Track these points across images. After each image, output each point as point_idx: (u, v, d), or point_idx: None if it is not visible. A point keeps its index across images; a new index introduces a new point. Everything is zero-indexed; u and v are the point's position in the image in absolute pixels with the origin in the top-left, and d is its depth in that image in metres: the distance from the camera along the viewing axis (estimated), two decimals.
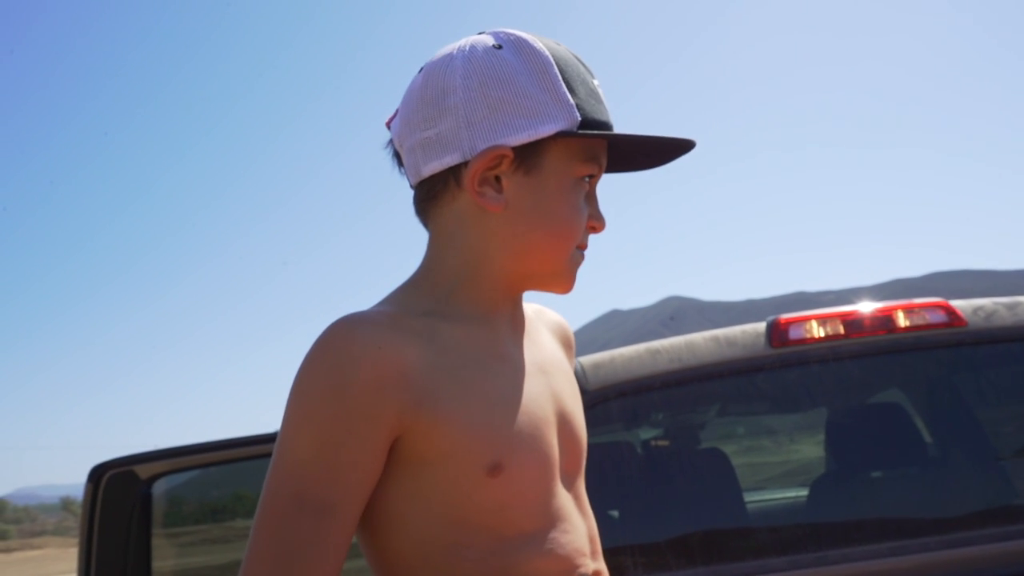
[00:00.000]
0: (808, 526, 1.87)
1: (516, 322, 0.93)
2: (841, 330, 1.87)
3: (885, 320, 1.88)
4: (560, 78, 0.86)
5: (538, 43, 0.88)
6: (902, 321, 1.87)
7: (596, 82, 0.91)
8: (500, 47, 0.86)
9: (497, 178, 0.85)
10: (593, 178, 0.90)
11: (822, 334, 1.86)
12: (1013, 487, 1.94)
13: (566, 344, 1.02)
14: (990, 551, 1.69)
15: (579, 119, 0.86)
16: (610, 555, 0.93)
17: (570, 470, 0.91)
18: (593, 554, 0.90)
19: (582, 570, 0.86)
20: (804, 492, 2.24)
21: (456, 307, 0.87)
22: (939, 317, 1.88)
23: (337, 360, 0.77)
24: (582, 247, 0.91)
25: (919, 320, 1.87)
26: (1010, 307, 1.93)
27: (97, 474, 2.21)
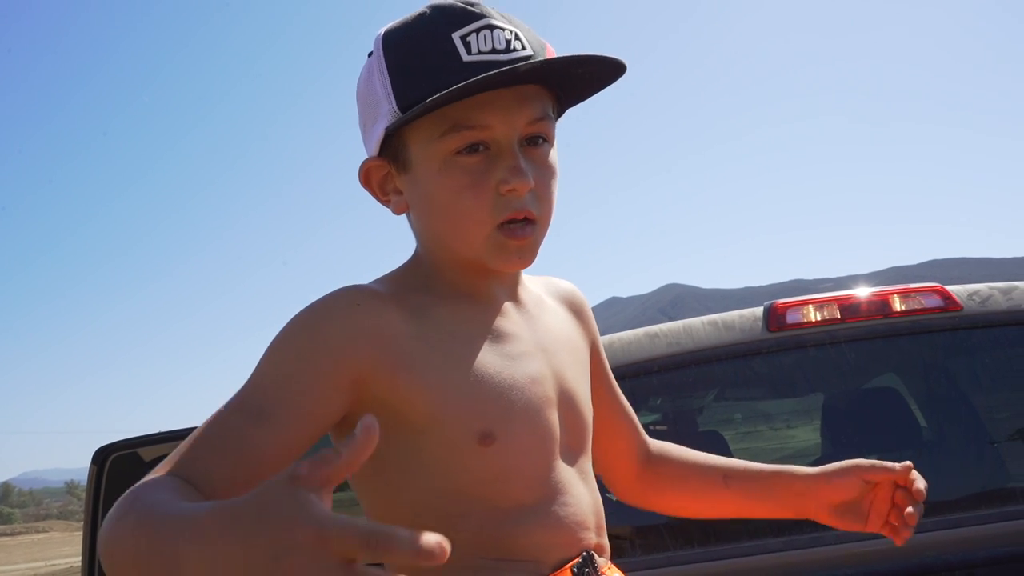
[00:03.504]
0: None
1: (517, 300, 0.94)
2: (838, 314, 1.89)
3: (881, 305, 1.90)
4: (386, 72, 0.84)
5: (381, 36, 0.86)
6: (898, 306, 1.89)
7: (460, 32, 0.82)
8: (371, 53, 0.87)
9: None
10: (483, 144, 0.83)
11: (819, 318, 1.88)
12: (1006, 470, 1.97)
13: (577, 312, 1.02)
14: (982, 532, 1.71)
15: (395, 109, 0.82)
16: (609, 537, 0.94)
17: (573, 446, 0.92)
18: (597, 529, 0.91)
19: (584, 541, 0.88)
20: None
21: (445, 288, 0.89)
22: (935, 302, 1.90)
23: (317, 311, 0.82)
24: (513, 216, 0.83)
25: (915, 305, 1.89)
26: (1005, 292, 1.94)
27: (101, 456, 2.23)
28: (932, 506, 1.81)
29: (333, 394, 0.80)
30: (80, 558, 2.35)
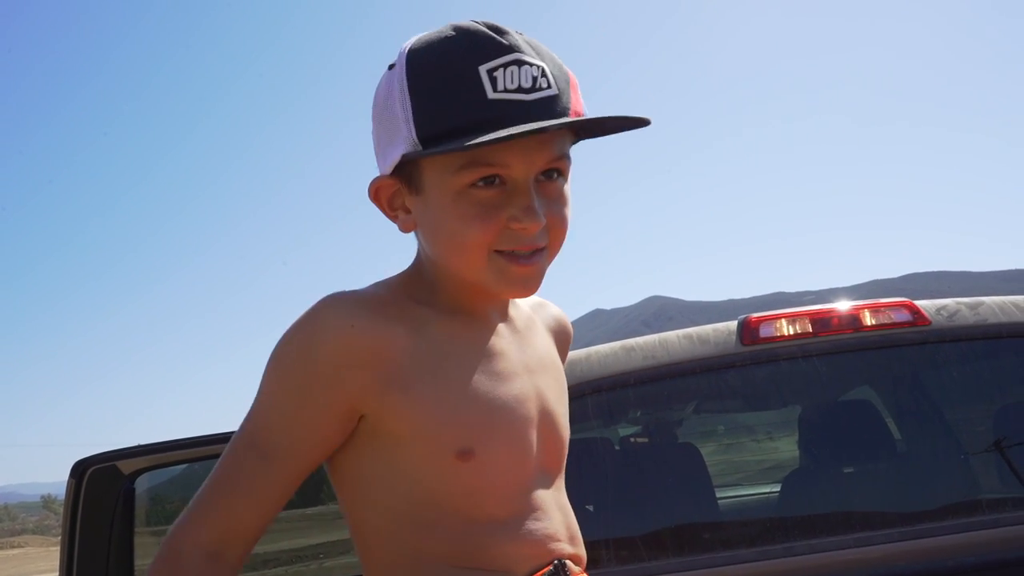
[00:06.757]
0: (777, 519, 1.93)
1: (509, 321, 0.96)
2: (810, 328, 1.92)
3: (852, 319, 1.93)
4: (407, 95, 0.83)
5: (405, 54, 0.85)
6: (868, 320, 1.93)
7: (487, 66, 0.81)
8: (392, 66, 0.86)
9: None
10: (499, 178, 0.83)
11: (791, 332, 1.92)
12: (976, 481, 2.01)
13: (561, 339, 1.06)
14: (951, 542, 1.75)
15: (415, 138, 0.82)
16: (586, 547, 0.97)
17: (549, 466, 0.95)
18: (571, 540, 0.93)
19: (557, 552, 0.90)
20: (778, 488, 2.30)
21: (445, 302, 0.91)
22: (904, 316, 1.94)
23: (312, 332, 0.83)
24: (514, 248, 0.85)
25: (885, 319, 1.93)
26: (972, 307, 1.99)
27: (80, 469, 2.22)
28: (904, 516, 1.86)
29: (334, 425, 0.85)
30: (56, 574, 2.33)
